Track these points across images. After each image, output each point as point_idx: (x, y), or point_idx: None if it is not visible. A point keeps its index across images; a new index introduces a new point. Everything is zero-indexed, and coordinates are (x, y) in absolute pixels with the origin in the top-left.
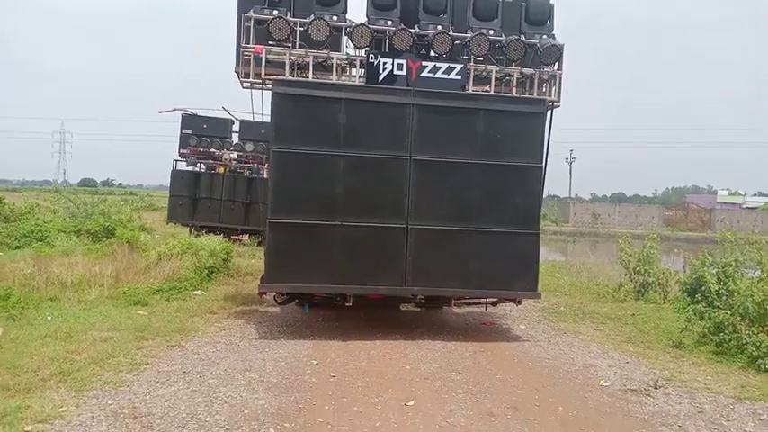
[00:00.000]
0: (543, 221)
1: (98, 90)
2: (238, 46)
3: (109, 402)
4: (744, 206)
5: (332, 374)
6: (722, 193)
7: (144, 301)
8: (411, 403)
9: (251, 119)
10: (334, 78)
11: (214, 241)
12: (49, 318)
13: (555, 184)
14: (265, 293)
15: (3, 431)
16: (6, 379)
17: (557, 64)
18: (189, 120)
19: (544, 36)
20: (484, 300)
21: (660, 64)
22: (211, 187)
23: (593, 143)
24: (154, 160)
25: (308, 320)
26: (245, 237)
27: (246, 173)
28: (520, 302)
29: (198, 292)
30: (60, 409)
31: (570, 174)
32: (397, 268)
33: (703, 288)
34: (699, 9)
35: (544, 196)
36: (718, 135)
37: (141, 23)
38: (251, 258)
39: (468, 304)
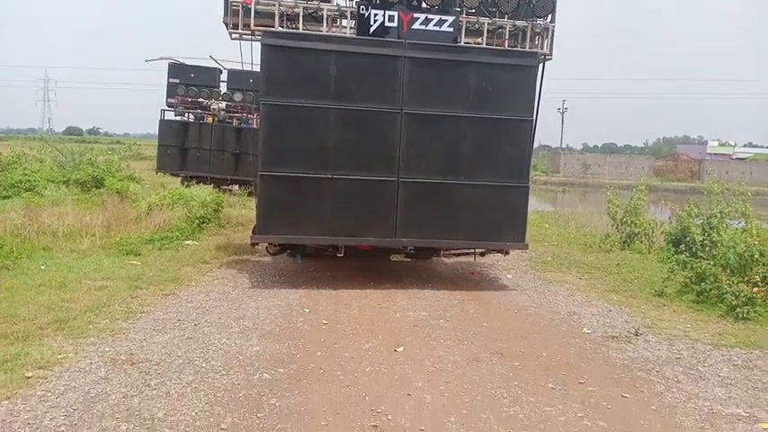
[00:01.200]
0: (534, 172)
1: (82, 37)
2: None
3: (107, 349)
4: (734, 157)
5: (324, 322)
6: (713, 143)
7: (136, 250)
8: (400, 349)
9: (240, 68)
10: (324, 29)
11: (205, 192)
12: (42, 267)
13: (546, 133)
14: (257, 244)
15: (4, 377)
16: (4, 327)
17: (549, 16)
18: (176, 69)
19: None
20: (472, 250)
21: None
22: (200, 137)
23: (587, 93)
24: (140, 108)
25: (300, 270)
26: (236, 187)
27: (235, 123)
28: (507, 253)
29: (190, 242)
30: (59, 356)
31: (562, 124)
32: (388, 220)
33: (688, 239)
34: None
35: (535, 146)
36: (710, 86)
37: None
38: (241, 209)
39: (457, 255)
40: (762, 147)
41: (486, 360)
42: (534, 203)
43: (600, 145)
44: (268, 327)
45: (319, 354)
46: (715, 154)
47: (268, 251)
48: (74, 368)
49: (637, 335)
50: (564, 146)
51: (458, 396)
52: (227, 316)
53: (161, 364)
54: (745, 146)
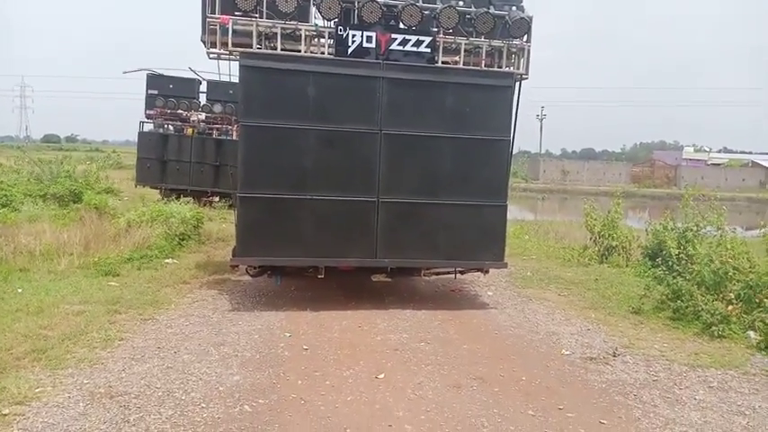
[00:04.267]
0: (513, 178)
1: (61, 44)
2: (204, 15)
3: (85, 381)
4: (709, 162)
5: (304, 347)
6: (688, 149)
7: (115, 270)
8: (381, 376)
9: (219, 79)
10: (303, 49)
11: (185, 208)
12: (19, 290)
13: (526, 139)
14: (237, 266)
15: None
16: None
17: (525, 36)
18: (154, 80)
19: (513, 8)
20: (453, 269)
21: (633, 20)
22: (180, 149)
23: (565, 102)
24: (119, 116)
25: (280, 291)
26: (216, 199)
27: (215, 134)
28: (487, 272)
29: (169, 260)
30: (37, 390)
31: (541, 130)
32: (368, 241)
33: (664, 252)
34: None
35: (515, 152)
36: (687, 94)
37: None
38: (222, 222)
39: (438, 274)
40: (736, 152)
41: (466, 386)
42: (515, 212)
43: (578, 150)
44: (248, 353)
45: (300, 383)
46: (690, 159)
47: (248, 273)
48: (52, 403)
49: (615, 356)
50: (543, 151)
51: (438, 426)
52: (208, 342)
53: (140, 396)
54: (719, 151)
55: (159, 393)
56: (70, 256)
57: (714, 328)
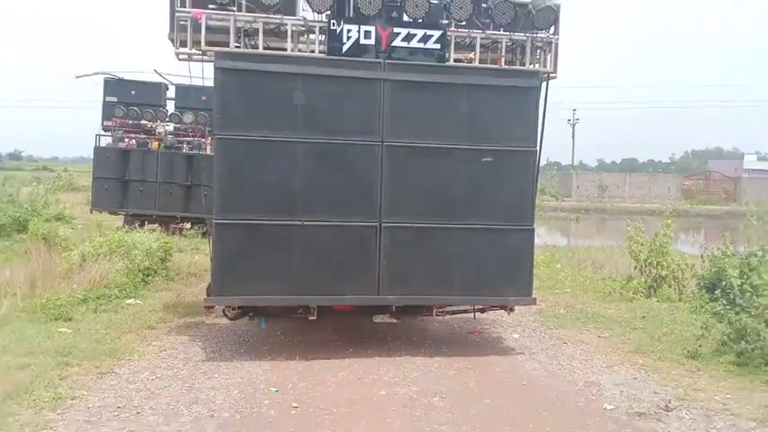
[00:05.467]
0: (541, 196)
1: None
2: (172, 9)
3: None
4: None
5: (294, 405)
6: (750, 157)
7: (66, 314)
8: None
9: (189, 83)
10: (289, 47)
11: (150, 237)
12: None
13: (556, 149)
14: (213, 307)
15: None
16: None
17: (552, 28)
18: (113, 85)
19: None
20: (471, 307)
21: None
22: (144, 167)
23: (600, 102)
24: (71, 127)
25: (264, 336)
26: (187, 226)
27: (186, 148)
28: (512, 310)
29: (131, 300)
30: None
31: (573, 138)
32: (369, 274)
33: (724, 283)
34: None
35: (543, 164)
36: (744, 91)
37: None
38: (194, 254)
39: (453, 313)
40: None
41: None
42: (544, 235)
43: (618, 161)
44: (227, 413)
45: None
46: (754, 170)
47: (226, 315)
48: None
49: (668, 410)
50: (576, 163)
51: None
52: (177, 400)
53: None
54: None
55: None
56: (13, 296)
57: None
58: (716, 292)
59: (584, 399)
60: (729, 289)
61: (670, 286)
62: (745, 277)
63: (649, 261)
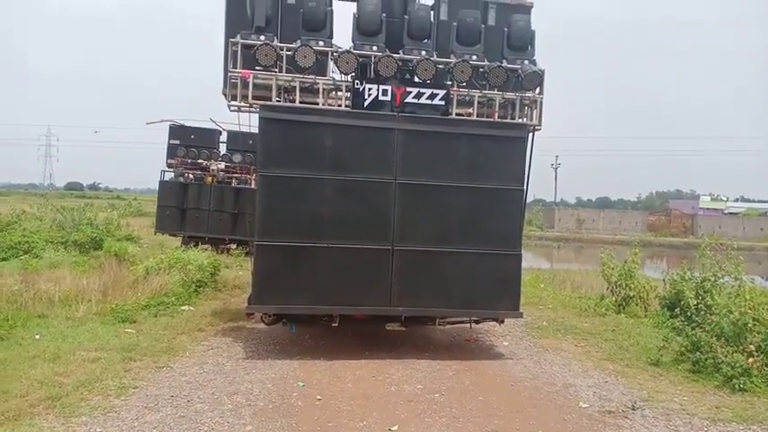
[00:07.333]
0: (528, 227)
1: (84, 93)
2: (226, 70)
3: (98, 430)
4: (726, 211)
5: (318, 397)
6: (704, 198)
7: (132, 317)
8: (395, 428)
9: (239, 130)
10: (320, 101)
11: (202, 255)
12: (37, 336)
13: (541, 188)
14: (252, 314)
15: None
16: None
17: (538, 89)
18: (176, 130)
19: (525, 61)
20: (467, 319)
21: (646, 69)
22: (199, 197)
23: (579, 151)
24: (141, 165)
25: (294, 338)
26: (233, 246)
27: (234, 183)
28: (502, 322)
29: (186, 307)
30: None
31: (556, 179)
32: (383, 289)
33: (682, 303)
34: (684, 12)
35: (529, 200)
36: (701, 143)
37: (130, 27)
38: (239, 270)
39: (453, 323)
40: (754, 201)
41: None
42: (530, 260)
43: (594, 199)
44: (261, 403)
45: None
46: (707, 209)
47: (263, 321)
48: None
49: (634, 409)
50: (558, 200)
51: None
52: (221, 391)
53: None
54: (737, 200)
55: None
56: (88, 302)
57: (735, 381)
58: (675, 310)
59: (563, 398)
60: (687, 308)
61: (637, 304)
62: (700, 298)
63: (619, 283)
